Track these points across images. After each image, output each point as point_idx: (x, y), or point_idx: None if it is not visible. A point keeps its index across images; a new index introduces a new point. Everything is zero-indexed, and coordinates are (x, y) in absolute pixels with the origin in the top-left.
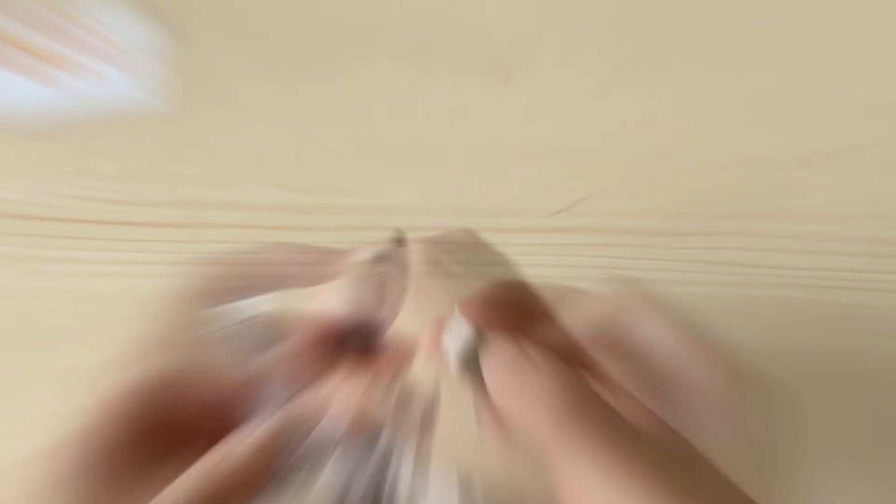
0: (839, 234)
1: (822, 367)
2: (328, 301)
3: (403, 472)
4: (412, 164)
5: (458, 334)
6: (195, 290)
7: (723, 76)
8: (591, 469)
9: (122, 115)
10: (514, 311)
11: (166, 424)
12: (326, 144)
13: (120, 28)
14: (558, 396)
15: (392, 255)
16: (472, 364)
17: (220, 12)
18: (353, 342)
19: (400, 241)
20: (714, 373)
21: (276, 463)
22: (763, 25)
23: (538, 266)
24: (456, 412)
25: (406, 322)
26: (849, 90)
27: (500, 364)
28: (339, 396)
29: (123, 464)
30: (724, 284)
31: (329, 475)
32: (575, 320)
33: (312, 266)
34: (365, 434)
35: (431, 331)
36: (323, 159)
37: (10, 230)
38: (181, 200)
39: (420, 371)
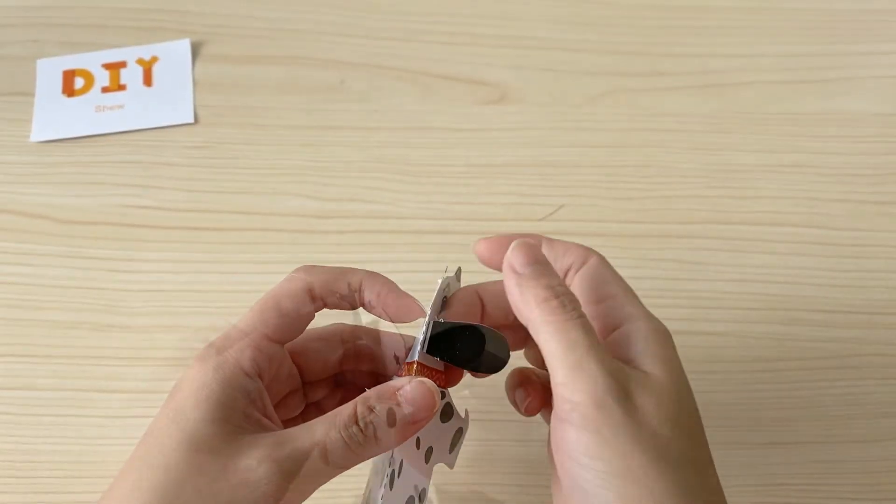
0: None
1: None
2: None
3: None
4: (417, 176)
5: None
6: (300, 290)
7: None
8: None
9: (166, 133)
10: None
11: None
12: (343, 160)
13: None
14: None
15: (451, 285)
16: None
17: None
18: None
19: (458, 276)
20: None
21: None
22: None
23: None
24: None
25: None
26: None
27: None
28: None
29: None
30: (687, 280)
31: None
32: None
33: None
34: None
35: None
36: (340, 172)
37: (81, 234)
38: (222, 208)
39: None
